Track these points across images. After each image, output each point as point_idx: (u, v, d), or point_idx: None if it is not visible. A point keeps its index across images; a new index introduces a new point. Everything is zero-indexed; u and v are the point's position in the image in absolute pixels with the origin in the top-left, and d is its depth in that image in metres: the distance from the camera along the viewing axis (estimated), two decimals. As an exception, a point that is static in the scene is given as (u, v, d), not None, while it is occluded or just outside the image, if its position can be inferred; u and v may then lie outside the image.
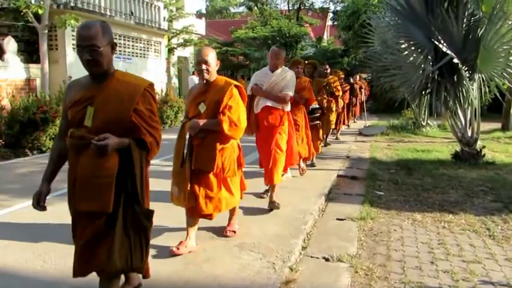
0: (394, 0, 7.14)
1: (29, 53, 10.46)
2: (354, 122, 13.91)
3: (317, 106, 6.17)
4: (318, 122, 6.41)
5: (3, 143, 7.78)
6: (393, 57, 7.51)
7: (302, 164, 5.97)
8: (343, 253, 3.27)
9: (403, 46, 7.06)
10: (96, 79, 2.16)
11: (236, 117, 3.18)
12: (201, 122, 3.17)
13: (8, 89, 9.06)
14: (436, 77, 6.64)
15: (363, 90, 13.87)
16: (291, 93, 4.50)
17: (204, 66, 3.17)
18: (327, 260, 3.20)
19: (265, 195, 4.76)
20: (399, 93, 8.11)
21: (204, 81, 3.23)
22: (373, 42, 9.09)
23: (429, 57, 6.61)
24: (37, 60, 10.14)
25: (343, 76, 10.64)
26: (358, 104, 13.69)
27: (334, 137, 10.07)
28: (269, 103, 4.42)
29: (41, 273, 2.91)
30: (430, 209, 4.48)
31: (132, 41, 13.81)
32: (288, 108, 4.61)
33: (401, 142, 9.65)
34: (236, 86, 3.31)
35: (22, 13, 9.25)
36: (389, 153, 8.00)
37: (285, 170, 5.02)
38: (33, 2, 9.64)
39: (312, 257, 3.26)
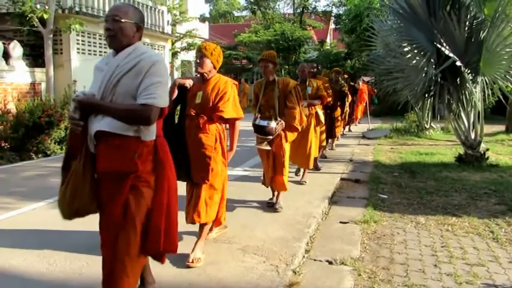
0: (396, 4, 7.16)
1: (34, 57, 10.54)
2: (356, 125, 13.83)
3: (265, 123, 4.22)
4: (268, 147, 4.37)
5: (8, 146, 7.83)
6: (396, 60, 7.53)
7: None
8: (347, 256, 3.28)
9: (405, 49, 7.08)
10: None
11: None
12: None
13: (14, 93, 9.13)
14: (439, 79, 6.65)
15: (365, 95, 13.88)
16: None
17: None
18: (330, 263, 3.21)
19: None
20: (402, 96, 8.12)
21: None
22: (376, 46, 9.12)
23: (432, 60, 6.62)
24: (42, 64, 10.21)
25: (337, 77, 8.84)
26: (358, 108, 13.45)
27: (330, 147, 8.80)
28: None
29: (46, 275, 2.94)
30: (433, 211, 4.48)
31: (136, 45, 13.88)
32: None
33: (404, 145, 9.64)
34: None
35: (27, 18, 9.33)
36: (393, 156, 7.99)
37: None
38: (38, 6, 9.72)
39: (315, 260, 3.28)
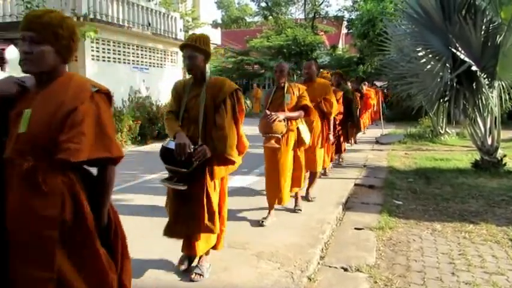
0: (410, 8, 7.12)
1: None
2: (364, 133, 13.00)
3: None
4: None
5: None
6: (410, 65, 7.46)
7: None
8: (362, 263, 3.24)
9: (420, 54, 7.01)
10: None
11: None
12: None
13: (30, 99, 9.28)
14: (454, 84, 6.57)
15: (372, 101, 13.27)
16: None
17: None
18: (345, 270, 3.18)
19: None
20: (416, 101, 8.03)
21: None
22: (389, 50, 9.06)
23: (447, 64, 6.54)
24: (57, 71, 10.37)
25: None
26: (367, 114, 12.86)
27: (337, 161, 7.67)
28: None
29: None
30: (450, 218, 4.41)
31: (149, 51, 14.02)
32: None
33: (419, 150, 9.53)
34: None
35: (44, 25, 9.51)
36: (407, 162, 7.91)
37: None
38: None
39: (330, 266, 3.24)
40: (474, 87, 6.60)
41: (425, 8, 6.71)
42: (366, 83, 14.69)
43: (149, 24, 13.40)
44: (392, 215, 4.52)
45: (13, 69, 9.12)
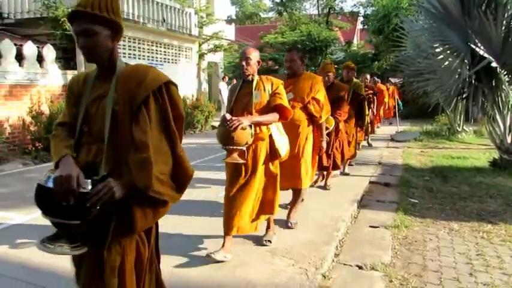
0: (428, 3, 6.98)
1: (66, 60, 10.84)
2: (378, 127, 12.84)
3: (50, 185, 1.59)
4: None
5: (42, 146, 8.09)
6: (427, 61, 7.34)
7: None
8: (377, 261, 3.21)
9: (437, 50, 6.89)
10: None
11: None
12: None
13: (47, 95, 9.41)
14: (473, 81, 6.44)
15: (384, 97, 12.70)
16: None
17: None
18: (360, 268, 3.15)
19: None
20: (433, 98, 7.91)
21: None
22: (406, 46, 8.92)
23: (465, 61, 6.42)
24: (74, 67, 10.49)
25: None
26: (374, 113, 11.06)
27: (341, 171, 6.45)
28: None
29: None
30: (467, 218, 4.33)
31: (164, 47, 14.08)
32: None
33: (435, 148, 9.39)
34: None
35: (60, 22, 9.62)
36: (423, 160, 7.80)
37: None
38: (70, 11, 10.01)
39: (344, 264, 3.22)
40: (494, 84, 6.47)
41: (444, 2, 6.58)
42: (374, 78, 14.01)
43: (164, 20, 13.45)
44: (408, 213, 4.46)
45: (30, 65, 9.26)
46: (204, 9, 17.53)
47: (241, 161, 3.05)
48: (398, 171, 6.78)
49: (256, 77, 3.27)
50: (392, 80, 16.17)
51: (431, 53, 7.10)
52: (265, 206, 3.32)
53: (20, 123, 8.32)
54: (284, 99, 3.25)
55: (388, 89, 13.51)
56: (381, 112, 12.94)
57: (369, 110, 8.79)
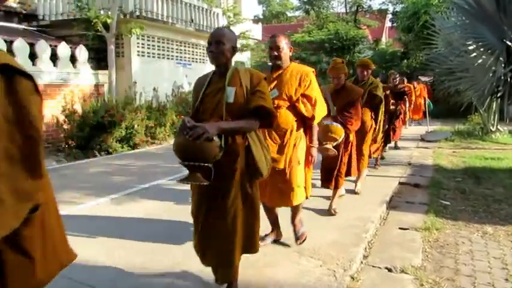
0: None
1: (98, 60, 11.14)
2: (406, 128, 11.92)
3: None
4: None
5: (74, 144, 8.35)
6: (460, 59, 7.16)
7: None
8: (407, 264, 3.14)
9: (471, 47, 6.71)
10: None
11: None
12: None
13: (80, 94, 9.70)
14: (508, 79, 6.23)
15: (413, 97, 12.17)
16: None
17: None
18: (389, 270, 3.10)
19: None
20: (466, 97, 7.70)
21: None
22: (437, 44, 8.72)
23: (501, 58, 6.23)
24: (105, 67, 10.76)
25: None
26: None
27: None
28: None
29: (108, 268, 3.07)
30: (502, 221, 4.19)
31: (192, 47, 14.25)
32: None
33: (467, 149, 9.11)
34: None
35: (92, 23, 9.89)
36: (455, 161, 7.59)
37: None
38: (102, 12, 10.27)
39: (373, 266, 3.17)
40: (531, 82, 6.24)
41: (478, -2, 6.40)
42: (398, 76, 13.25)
43: (192, 20, 13.61)
44: (439, 215, 4.35)
45: (64, 65, 9.57)
46: (231, 9, 17.62)
47: (205, 182, 2.23)
48: (428, 172, 6.62)
49: (232, 68, 2.48)
50: (423, 78, 15.79)
51: (464, 51, 6.92)
52: (244, 242, 2.48)
53: (53, 121, 8.63)
54: (268, 100, 2.45)
55: (415, 88, 13.03)
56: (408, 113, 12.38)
57: (397, 118, 7.85)
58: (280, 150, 3.12)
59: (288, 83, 3.14)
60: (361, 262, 3.26)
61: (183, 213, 4.37)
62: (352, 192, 5.21)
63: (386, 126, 6.82)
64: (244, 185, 2.44)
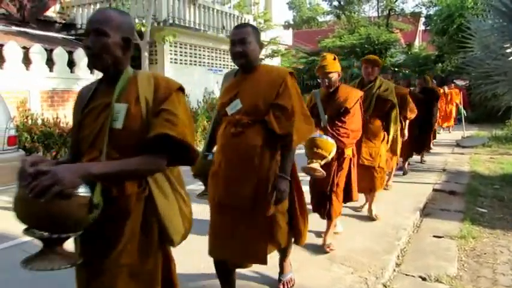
0: (498, 1, 6.58)
1: (133, 67, 11.26)
2: (439, 132, 11.58)
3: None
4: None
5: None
6: (497, 62, 6.91)
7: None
8: (442, 273, 3.07)
9: (508, 50, 6.47)
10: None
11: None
12: None
13: (115, 101, 10.01)
14: (549, 83, 5.98)
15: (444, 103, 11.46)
16: None
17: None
18: (423, 279, 3.04)
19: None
20: (503, 101, 7.42)
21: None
22: (473, 47, 8.45)
23: (541, 61, 5.98)
24: (139, 74, 11.06)
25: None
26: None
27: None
28: None
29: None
30: (543, 230, 4.02)
31: (223, 54, 14.43)
32: None
33: (506, 155, 8.78)
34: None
35: (127, 32, 10.20)
36: (493, 167, 7.33)
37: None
38: (137, 20, 10.58)
39: (407, 275, 3.12)
40: None
41: (516, 0, 6.18)
42: (456, 82, 12.50)
43: (223, 27, 13.80)
44: (476, 223, 4.23)
45: (99, 73, 9.90)
46: (262, 15, 17.74)
47: (73, 263, 1.38)
48: (464, 178, 6.43)
49: (129, 72, 1.66)
50: (458, 82, 15.33)
51: (502, 54, 6.69)
52: None
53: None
54: (179, 124, 1.49)
55: (445, 94, 12.12)
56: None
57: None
58: (244, 189, 2.29)
59: (254, 90, 2.31)
60: (394, 270, 3.21)
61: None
62: (368, 218, 4.42)
63: (417, 132, 6.72)
64: (143, 259, 1.52)
